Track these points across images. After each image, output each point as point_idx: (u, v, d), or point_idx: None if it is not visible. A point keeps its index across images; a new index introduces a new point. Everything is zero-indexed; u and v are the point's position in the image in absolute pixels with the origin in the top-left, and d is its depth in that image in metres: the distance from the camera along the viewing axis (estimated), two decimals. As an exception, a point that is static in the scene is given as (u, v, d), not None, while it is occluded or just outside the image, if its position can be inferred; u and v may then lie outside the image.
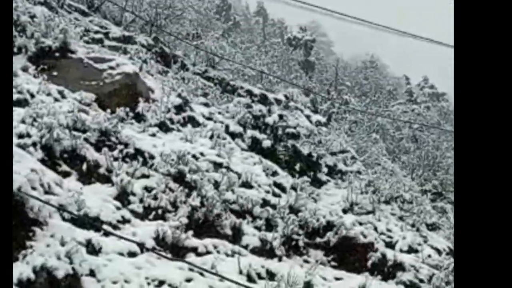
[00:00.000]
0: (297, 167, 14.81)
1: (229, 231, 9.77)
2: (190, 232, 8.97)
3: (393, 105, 35.21)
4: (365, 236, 11.07)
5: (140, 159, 10.48)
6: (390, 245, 13.85)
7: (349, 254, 10.50)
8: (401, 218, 15.17)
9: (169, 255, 8.31)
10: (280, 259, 9.67)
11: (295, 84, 24.23)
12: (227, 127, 14.84)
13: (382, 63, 46.71)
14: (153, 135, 12.91)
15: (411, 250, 13.72)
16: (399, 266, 10.62)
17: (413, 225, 15.31)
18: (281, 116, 15.77)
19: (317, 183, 16.68)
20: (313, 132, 18.87)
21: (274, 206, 11.03)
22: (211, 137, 13.73)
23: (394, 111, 30.35)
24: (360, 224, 14.31)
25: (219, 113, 15.48)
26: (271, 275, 8.73)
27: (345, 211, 14.71)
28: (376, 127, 24.68)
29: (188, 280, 7.86)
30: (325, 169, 16.29)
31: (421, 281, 10.40)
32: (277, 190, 12.40)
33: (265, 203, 10.94)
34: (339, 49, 63.50)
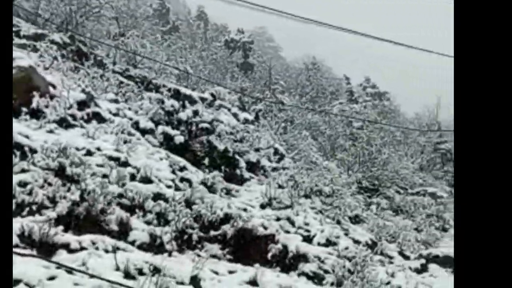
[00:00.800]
0: (212, 162, 14.26)
1: (115, 227, 9.11)
2: (60, 228, 8.27)
3: (334, 105, 35.19)
4: (265, 228, 10.59)
5: (18, 153, 9.71)
6: (308, 238, 13.49)
7: (248, 247, 9.99)
8: (321, 212, 14.84)
9: (34, 253, 7.58)
10: (170, 254, 9.07)
11: (221, 84, 23.77)
12: (136, 123, 14.17)
13: (326, 65, 46.90)
14: (51, 131, 12.14)
15: (328, 243, 13.38)
16: (302, 258, 10.17)
17: (334, 219, 15.01)
18: (196, 112, 15.21)
19: (239, 179, 16.21)
20: (236, 128, 18.42)
21: (168, 200, 10.41)
22: (117, 134, 13.07)
23: (331, 109, 30.29)
24: (278, 219, 13.91)
25: (129, 109, 14.81)
26: (155, 271, 8.10)
27: (263, 206, 14.27)
28: (308, 124, 24.47)
29: (51, 278, 7.16)
30: (244, 165, 15.81)
31: (326, 271, 9.98)
32: (182, 185, 11.82)
33: (159, 197, 10.32)
34: (287, 53, 63.57)
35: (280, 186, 15.44)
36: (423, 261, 16.39)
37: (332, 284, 9.52)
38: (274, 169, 17.54)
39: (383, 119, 35.44)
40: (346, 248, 13.33)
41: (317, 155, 22.44)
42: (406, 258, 16.83)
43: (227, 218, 10.50)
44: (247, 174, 16.65)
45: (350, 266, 10.21)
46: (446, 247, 17.07)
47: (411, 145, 36.17)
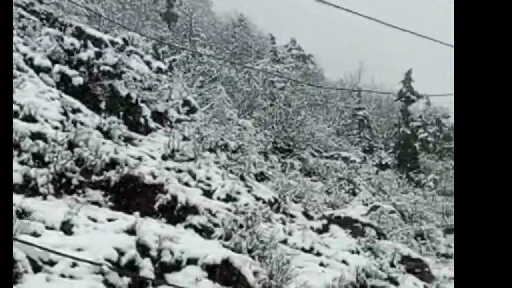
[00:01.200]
0: (112, 108, 13.39)
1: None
2: None
3: (257, 64, 34.65)
4: (154, 177, 10.03)
5: None
6: (208, 193, 13.07)
7: (133, 195, 9.41)
8: (225, 167, 14.43)
9: None
10: (44, 198, 8.34)
11: (138, 30, 22.57)
12: (31, 59, 12.99)
13: (255, 23, 46.17)
14: None
15: (229, 198, 13.04)
16: (192, 210, 9.73)
17: (238, 175, 14.67)
18: (99, 54, 14.17)
19: (144, 129, 15.45)
20: (146, 76, 17.52)
21: (48, 141, 9.53)
22: (6, 69, 11.86)
23: (252, 67, 29.80)
24: (180, 171, 13.38)
25: (25, 44, 13.55)
26: (24, 214, 7.34)
27: (165, 158, 13.66)
28: (226, 79, 23.89)
29: None
30: (148, 114, 15.06)
31: (216, 225, 9.61)
32: (73, 128, 10.95)
33: (40, 137, 9.44)
34: (217, 8, 61.81)
35: (186, 139, 14.86)
36: (325, 221, 16.51)
37: (220, 237, 9.15)
38: (183, 121, 16.89)
39: (305, 81, 35.45)
40: (246, 204, 13.05)
41: (232, 111, 21.94)
42: (310, 218, 16.90)
43: (113, 164, 9.82)
44: (153, 124, 15.91)
45: (243, 221, 9.88)
46: (351, 209, 17.30)
47: (330, 109, 36.54)
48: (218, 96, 19.77)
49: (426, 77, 39.13)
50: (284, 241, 12.40)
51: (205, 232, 9.19)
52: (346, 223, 16.15)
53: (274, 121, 26.21)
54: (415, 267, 15.23)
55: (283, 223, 14.26)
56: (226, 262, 7.82)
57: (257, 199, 14.21)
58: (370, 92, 36.38)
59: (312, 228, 16.03)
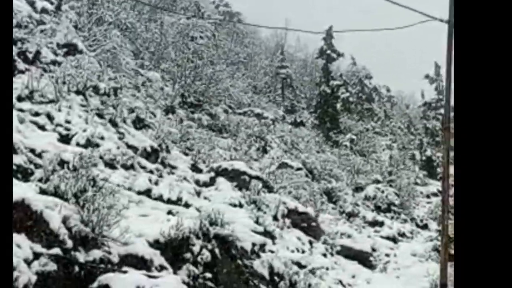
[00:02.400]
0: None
1: None
2: None
3: (179, 18, 32.91)
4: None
5: None
6: (67, 138, 11.80)
7: None
8: (93, 111, 13.11)
9: None
10: None
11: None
12: None
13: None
14: None
15: (89, 143, 11.81)
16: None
17: (109, 120, 13.42)
18: None
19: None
20: (22, 14, 15.82)
21: None
22: None
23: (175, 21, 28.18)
24: (37, 114, 12.00)
25: None
26: None
27: (20, 99, 12.21)
28: (125, 25, 22.29)
29: None
30: (14, 52, 13.44)
31: (39, 166, 8.43)
32: None
33: None
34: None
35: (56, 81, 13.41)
36: (213, 174, 15.58)
37: (40, 180, 7.97)
38: (61, 64, 15.33)
39: (227, 37, 34.15)
40: (109, 150, 11.88)
41: (128, 59, 20.44)
42: (199, 171, 15.91)
43: None
44: (21, 66, 14.29)
45: (76, 164, 8.71)
46: (238, 162, 16.40)
47: (253, 67, 35.48)
48: (112, 42, 18.23)
49: (351, 35, 38.44)
50: (148, 191, 11.35)
51: (21, 173, 7.98)
52: (233, 176, 15.27)
53: (184, 74, 24.87)
54: (302, 221, 14.58)
55: (160, 175, 13.18)
56: (22, 204, 6.64)
57: (129, 146, 13.05)
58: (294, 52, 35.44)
59: (198, 181, 15.07)
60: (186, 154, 16.60)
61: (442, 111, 35.96)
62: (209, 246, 8.42)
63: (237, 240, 9.07)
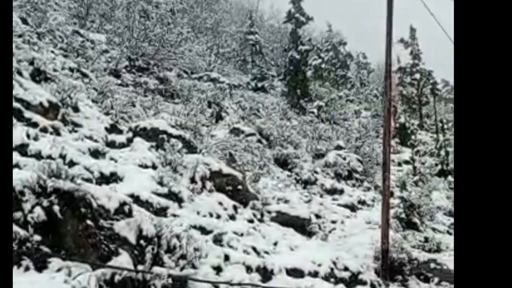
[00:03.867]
0: None
1: None
2: None
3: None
4: None
5: None
6: None
7: None
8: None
9: None
10: None
11: None
12: None
13: None
14: None
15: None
16: None
17: None
18: None
19: None
20: None
21: None
22: None
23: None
24: None
25: None
26: None
27: None
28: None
29: None
30: None
31: None
32: None
33: None
34: None
35: None
36: (131, 134, 13.96)
37: None
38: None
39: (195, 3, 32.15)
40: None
41: (62, 18, 18.69)
42: (120, 132, 14.30)
43: None
44: None
45: None
46: (159, 121, 14.76)
47: (220, 33, 33.63)
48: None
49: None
50: (22, 146, 9.73)
51: None
52: (152, 135, 13.65)
53: (132, 36, 23.11)
54: (227, 184, 12.99)
55: (54, 131, 11.57)
56: None
57: (17, 100, 11.38)
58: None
59: (113, 142, 13.48)
60: (107, 114, 14.99)
61: (417, 76, 34.35)
62: (45, 203, 6.81)
63: (93, 198, 7.47)
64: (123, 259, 7.30)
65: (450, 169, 25.19)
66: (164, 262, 8.00)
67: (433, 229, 19.95)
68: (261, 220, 13.02)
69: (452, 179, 24.65)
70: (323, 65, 32.39)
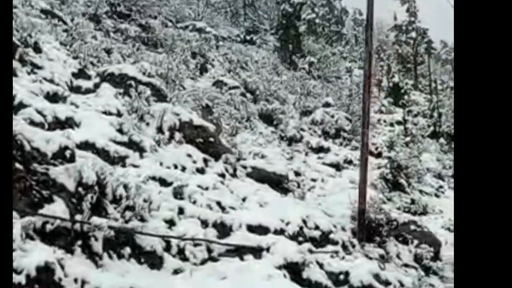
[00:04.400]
0: None
1: None
2: None
3: None
4: None
5: None
6: None
7: None
8: None
9: None
10: None
11: None
12: None
13: None
14: None
15: None
16: None
17: None
18: None
19: None
20: None
21: None
22: None
23: None
24: None
25: None
26: None
27: None
28: None
29: None
30: None
31: None
32: None
33: None
34: None
35: None
36: (98, 80, 13.07)
37: None
38: None
39: None
40: None
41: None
42: (88, 77, 13.39)
43: None
44: None
45: None
46: (128, 66, 13.82)
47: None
48: None
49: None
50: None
51: None
52: (120, 81, 12.75)
53: (114, -20, 21.88)
54: (198, 136, 12.19)
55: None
56: None
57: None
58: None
59: (79, 87, 12.62)
60: (76, 58, 14.04)
61: (413, 34, 33.18)
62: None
63: (26, 140, 6.67)
64: (58, 208, 6.55)
65: (442, 131, 24.43)
66: (108, 213, 7.28)
67: (420, 191, 19.35)
68: (234, 175, 12.28)
69: (444, 141, 23.96)
70: (317, 20, 31.17)
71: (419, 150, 22.19)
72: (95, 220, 6.77)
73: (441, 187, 20.26)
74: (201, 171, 11.37)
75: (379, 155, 21.99)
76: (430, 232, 13.04)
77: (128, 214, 7.41)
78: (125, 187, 7.53)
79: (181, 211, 8.39)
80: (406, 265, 12.17)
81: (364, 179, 12.49)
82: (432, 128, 25.03)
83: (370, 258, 11.56)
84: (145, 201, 7.70)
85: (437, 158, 22.32)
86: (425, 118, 26.30)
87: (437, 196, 19.53)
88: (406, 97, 26.98)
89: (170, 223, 7.95)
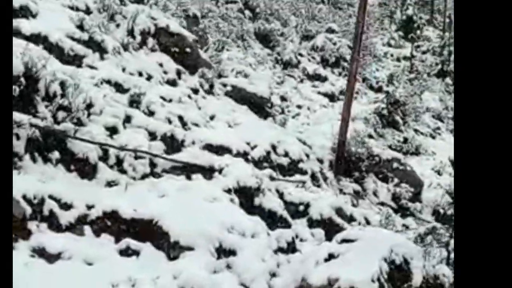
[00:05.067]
0: None
1: None
2: None
3: None
4: None
5: None
6: None
7: None
8: None
9: None
10: None
11: None
12: None
13: None
14: None
15: None
16: None
17: None
18: None
19: None
20: None
21: None
22: None
23: None
24: None
25: None
26: None
27: None
28: None
29: None
30: None
31: None
32: None
33: None
34: None
35: None
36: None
37: None
38: None
39: None
40: None
41: None
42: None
43: None
44: None
45: None
46: None
47: None
48: None
49: None
50: None
51: None
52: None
53: None
54: (174, 44, 11.19)
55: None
56: None
57: None
58: None
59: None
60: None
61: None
62: None
63: None
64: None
65: (450, 70, 23.13)
66: (38, 111, 6.49)
67: (416, 131, 18.43)
68: (210, 92, 11.41)
69: (450, 81, 22.75)
70: None
71: (422, 88, 21.08)
72: (16, 116, 5.98)
73: (438, 128, 19.33)
74: (172, 83, 10.49)
75: (379, 89, 20.96)
76: (413, 172, 12.27)
77: (61, 115, 6.62)
78: (62, 84, 6.68)
79: (128, 119, 7.57)
80: (382, 204, 11.52)
81: (348, 109, 11.61)
82: (439, 66, 23.73)
83: (344, 193, 10.91)
84: (85, 102, 6.88)
85: (440, 98, 21.22)
86: (434, 55, 24.93)
87: (432, 137, 18.63)
88: (418, 32, 25.45)
89: (112, 130, 7.17)
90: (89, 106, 7.04)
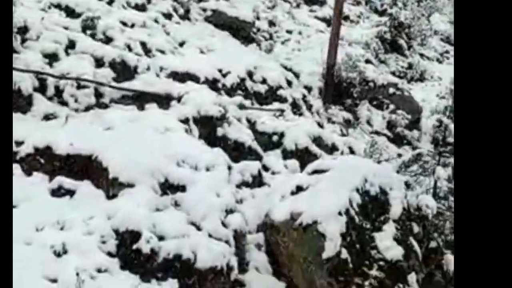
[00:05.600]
0: None
1: None
2: None
3: None
4: None
5: None
6: None
7: None
8: None
9: None
10: None
11: None
12: None
13: None
14: None
15: None
16: None
17: None
18: None
19: None
20: None
21: None
22: None
23: None
24: None
25: None
26: None
27: None
28: None
29: None
30: None
31: None
32: None
33: None
34: None
35: None
36: None
37: None
38: None
39: None
40: None
41: None
42: None
43: None
44: None
45: None
46: None
47: None
48: None
49: None
50: None
51: None
52: None
53: None
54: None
55: None
56: None
57: None
58: None
59: None
60: None
61: None
62: None
63: None
64: None
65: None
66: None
67: (421, 55, 17.28)
68: (185, 17, 10.46)
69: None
70: None
71: (430, 10, 19.69)
72: None
73: (447, 52, 18.13)
74: (140, 7, 9.55)
75: (383, 12, 19.64)
76: (410, 97, 11.35)
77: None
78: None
79: (72, 45, 6.75)
80: (376, 132, 10.71)
81: (337, 29, 10.63)
82: (451, -15, 22.09)
83: (333, 122, 10.11)
84: (18, 27, 6.06)
85: (450, 20, 19.84)
86: (446, -27, 23.22)
87: (439, 61, 17.48)
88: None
89: (52, 57, 6.38)
90: (24, 30, 6.21)
